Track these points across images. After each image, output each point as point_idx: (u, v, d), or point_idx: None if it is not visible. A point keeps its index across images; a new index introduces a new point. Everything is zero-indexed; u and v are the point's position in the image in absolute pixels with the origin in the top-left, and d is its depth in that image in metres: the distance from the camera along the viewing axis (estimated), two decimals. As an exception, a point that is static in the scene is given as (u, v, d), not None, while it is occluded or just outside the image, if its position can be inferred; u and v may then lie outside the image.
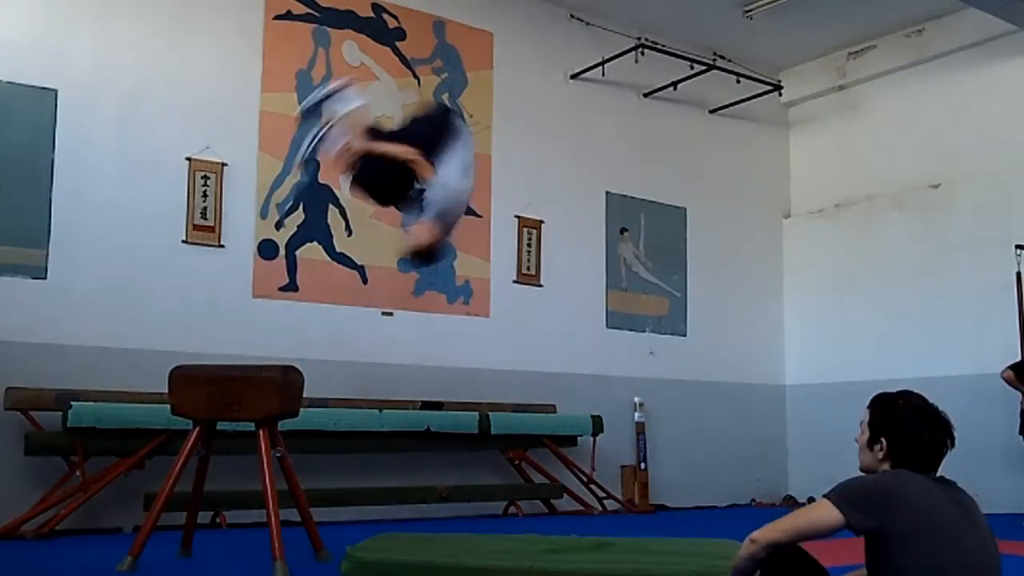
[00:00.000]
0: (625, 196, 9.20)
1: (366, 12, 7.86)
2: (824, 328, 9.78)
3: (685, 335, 9.46)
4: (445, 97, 8.17)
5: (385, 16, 7.94)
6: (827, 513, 2.44)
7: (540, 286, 8.56)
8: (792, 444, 9.95)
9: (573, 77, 8.93)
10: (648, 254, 9.33)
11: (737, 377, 9.66)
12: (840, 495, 2.45)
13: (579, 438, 8.13)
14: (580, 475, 8.05)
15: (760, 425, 9.79)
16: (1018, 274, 8.08)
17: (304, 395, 4.64)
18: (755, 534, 2.50)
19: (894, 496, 2.44)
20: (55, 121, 6.47)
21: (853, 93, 9.91)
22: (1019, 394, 7.79)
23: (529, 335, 8.37)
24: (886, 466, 2.60)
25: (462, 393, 7.77)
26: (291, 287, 7.30)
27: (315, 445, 6.71)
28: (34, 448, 5.98)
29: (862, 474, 2.62)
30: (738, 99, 9.63)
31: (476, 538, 4.61)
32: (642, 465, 8.63)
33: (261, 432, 4.33)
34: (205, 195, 6.99)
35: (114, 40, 6.77)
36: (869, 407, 2.68)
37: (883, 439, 2.59)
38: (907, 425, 2.57)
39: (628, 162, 9.27)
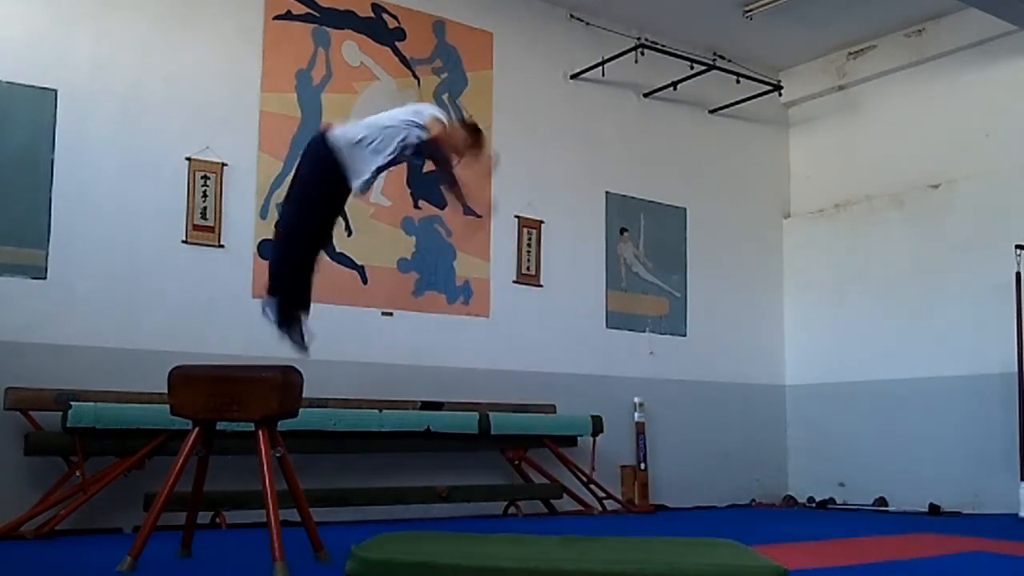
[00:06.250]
0: (625, 196, 9.20)
1: (366, 12, 7.86)
2: (824, 328, 9.77)
3: (685, 335, 9.45)
4: (445, 97, 8.17)
5: (385, 16, 7.94)
6: None
7: (540, 286, 8.56)
8: (792, 444, 9.95)
9: (573, 77, 8.93)
10: (648, 254, 9.33)
11: (737, 377, 9.67)
12: None
13: (579, 438, 8.12)
14: (580, 475, 8.04)
15: (760, 425, 9.79)
16: (1018, 274, 8.07)
17: (304, 395, 4.64)
18: None
19: None
20: (55, 121, 6.46)
21: (853, 93, 9.90)
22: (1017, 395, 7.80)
23: (529, 335, 8.37)
24: None
25: (462, 393, 7.77)
26: (291, 287, 7.27)
27: (315, 445, 6.71)
28: (34, 448, 5.97)
29: None
30: (738, 99, 9.63)
31: (483, 538, 4.59)
32: (642, 465, 8.64)
33: (261, 432, 4.33)
34: (205, 195, 6.99)
35: (114, 40, 6.77)
36: None
37: None
38: None
39: (628, 162, 9.27)
